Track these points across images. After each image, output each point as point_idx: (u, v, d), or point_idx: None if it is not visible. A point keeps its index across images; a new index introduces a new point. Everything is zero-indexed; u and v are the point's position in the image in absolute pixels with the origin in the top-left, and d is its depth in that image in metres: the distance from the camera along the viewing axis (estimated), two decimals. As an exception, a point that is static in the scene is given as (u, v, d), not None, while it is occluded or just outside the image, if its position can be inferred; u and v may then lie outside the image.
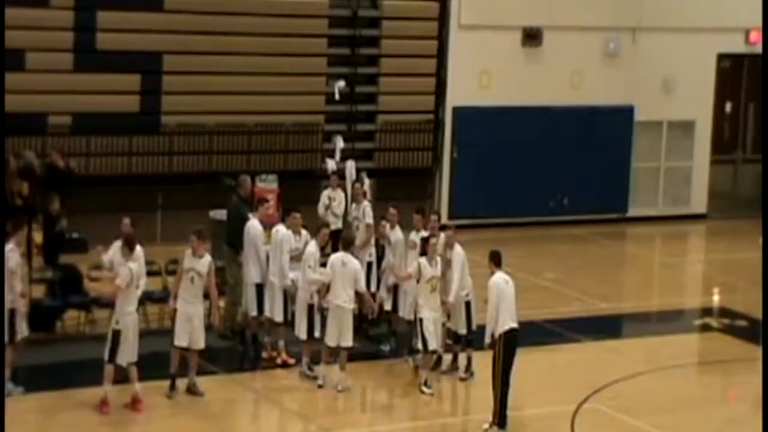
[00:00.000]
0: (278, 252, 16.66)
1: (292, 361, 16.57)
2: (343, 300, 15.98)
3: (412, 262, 16.77)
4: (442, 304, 16.26)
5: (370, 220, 18.11)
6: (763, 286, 18.17)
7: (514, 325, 14.72)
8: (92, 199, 20.89)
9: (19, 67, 21.34)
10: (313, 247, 16.38)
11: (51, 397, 15.29)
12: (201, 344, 15.37)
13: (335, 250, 16.84)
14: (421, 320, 16.01)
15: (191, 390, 15.44)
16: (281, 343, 16.78)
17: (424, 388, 16.05)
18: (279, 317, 16.70)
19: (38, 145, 21.34)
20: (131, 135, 22.49)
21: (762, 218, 18.97)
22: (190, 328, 15.26)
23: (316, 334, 16.19)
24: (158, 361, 15.56)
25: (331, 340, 16.03)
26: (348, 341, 16.02)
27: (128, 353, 14.79)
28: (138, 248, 15.21)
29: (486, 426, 14.73)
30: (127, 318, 14.82)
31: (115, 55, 22.23)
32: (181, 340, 15.28)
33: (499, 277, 14.83)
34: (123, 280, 14.72)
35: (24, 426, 14.24)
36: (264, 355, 16.98)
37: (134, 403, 14.90)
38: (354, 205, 18.60)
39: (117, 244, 15.50)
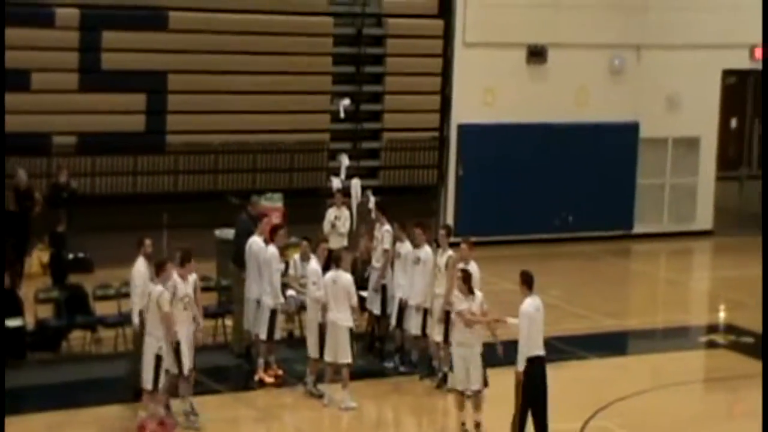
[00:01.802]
0: (268, 270, 16.65)
1: (270, 380, 16.52)
2: (337, 316, 15.99)
3: (418, 277, 16.89)
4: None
5: (388, 245, 18.01)
6: (763, 299, 18.15)
7: (541, 352, 14.46)
8: (97, 218, 20.94)
9: (24, 88, 21.43)
10: (314, 264, 16.40)
11: (57, 416, 15.28)
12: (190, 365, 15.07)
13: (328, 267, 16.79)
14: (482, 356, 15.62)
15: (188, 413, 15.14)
16: (260, 360, 16.72)
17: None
18: (263, 335, 16.65)
19: (43, 166, 21.40)
20: (136, 154, 22.54)
21: (762, 232, 18.93)
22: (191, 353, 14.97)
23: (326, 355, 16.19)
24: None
25: (328, 356, 16.05)
26: (347, 357, 16.03)
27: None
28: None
29: None
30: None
31: (119, 75, 22.30)
32: (180, 367, 14.92)
33: (530, 305, 14.50)
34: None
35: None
36: (255, 378, 16.81)
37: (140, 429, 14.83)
38: (377, 226, 18.46)
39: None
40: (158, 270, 14.79)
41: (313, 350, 16.22)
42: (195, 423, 14.96)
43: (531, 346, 14.41)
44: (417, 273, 17.11)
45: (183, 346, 14.76)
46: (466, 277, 15.29)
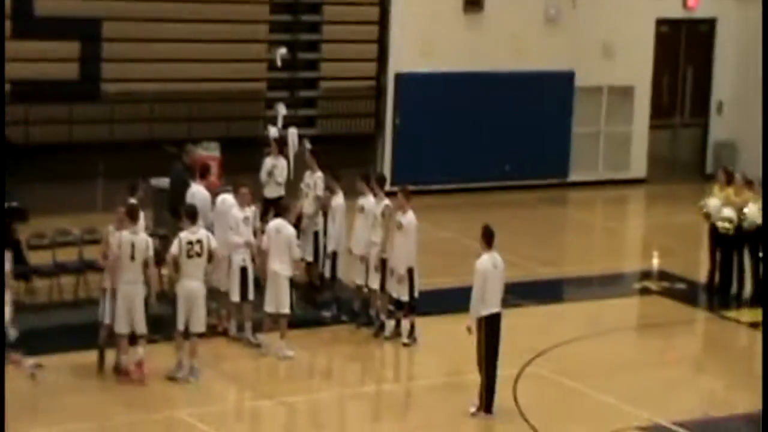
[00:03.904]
0: (223, 221, 16.64)
1: (233, 330, 16.58)
2: (278, 267, 16.01)
3: (361, 226, 16.95)
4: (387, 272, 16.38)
5: (320, 191, 18.03)
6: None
7: (496, 309, 14.43)
8: (32, 168, 20.72)
9: (-45, 35, 21.09)
10: (235, 210, 16.39)
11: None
12: (144, 329, 15.08)
13: (276, 216, 16.81)
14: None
15: (118, 368, 15.14)
16: (223, 311, 16.79)
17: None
18: (223, 286, 16.69)
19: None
20: (71, 102, 22.31)
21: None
22: (131, 312, 14.95)
23: (250, 297, 16.22)
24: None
25: (269, 306, 16.08)
26: (285, 308, 16.07)
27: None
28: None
29: (473, 410, 14.54)
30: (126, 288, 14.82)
31: (53, 22, 22.00)
32: (121, 327, 14.97)
33: (487, 260, 14.47)
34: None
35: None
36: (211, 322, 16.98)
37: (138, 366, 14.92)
38: (308, 173, 18.48)
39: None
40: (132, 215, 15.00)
41: (234, 294, 16.23)
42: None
43: (486, 303, 14.38)
44: (360, 222, 17.14)
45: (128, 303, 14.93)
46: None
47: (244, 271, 16.25)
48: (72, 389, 14.80)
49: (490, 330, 14.44)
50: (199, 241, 15.17)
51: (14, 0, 21.80)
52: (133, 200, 16.09)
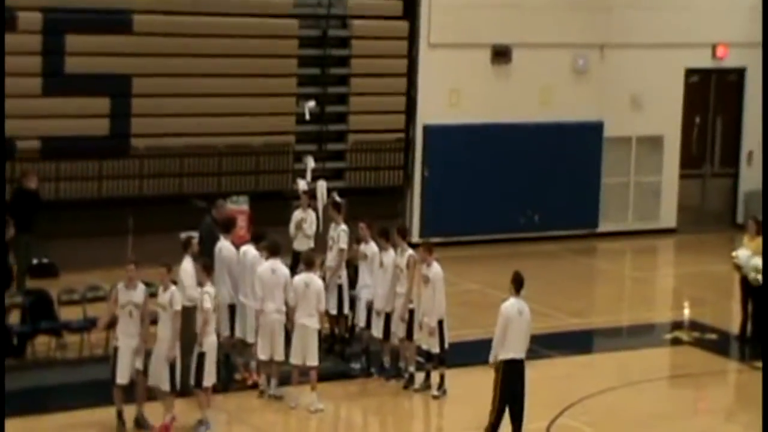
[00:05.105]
0: (248, 273, 16.69)
1: (264, 381, 16.58)
2: (306, 320, 16.02)
3: (380, 282, 17.03)
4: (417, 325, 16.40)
5: (344, 245, 18.05)
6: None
7: (516, 356, 14.47)
8: (62, 223, 20.85)
9: (-13, 92, 21.29)
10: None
11: (21, 423, 15.21)
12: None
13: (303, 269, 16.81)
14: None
15: (139, 422, 15.14)
16: (253, 363, 16.80)
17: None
18: (251, 338, 16.71)
19: (7, 171, 21.27)
20: (101, 158, 22.47)
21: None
22: (132, 363, 14.93)
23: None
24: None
25: (296, 359, 16.06)
26: (314, 360, 16.07)
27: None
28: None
29: None
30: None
31: (83, 79, 22.20)
32: (123, 377, 14.96)
33: (512, 305, 14.55)
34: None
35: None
36: (237, 376, 17.00)
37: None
38: (332, 225, 18.55)
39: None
40: (209, 270, 15.37)
41: (264, 352, 16.24)
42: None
43: (506, 348, 14.43)
44: (379, 277, 17.16)
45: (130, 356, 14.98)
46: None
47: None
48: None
49: (507, 375, 14.46)
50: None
51: (45, 57, 22.03)
52: (187, 256, 16.13)
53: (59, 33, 22.11)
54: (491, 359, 14.58)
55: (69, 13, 22.24)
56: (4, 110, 20.02)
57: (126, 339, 14.93)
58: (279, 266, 16.29)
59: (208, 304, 15.05)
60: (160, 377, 14.86)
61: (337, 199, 19.67)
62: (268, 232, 17.62)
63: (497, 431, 14.59)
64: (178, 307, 14.97)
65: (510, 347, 14.44)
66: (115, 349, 15.01)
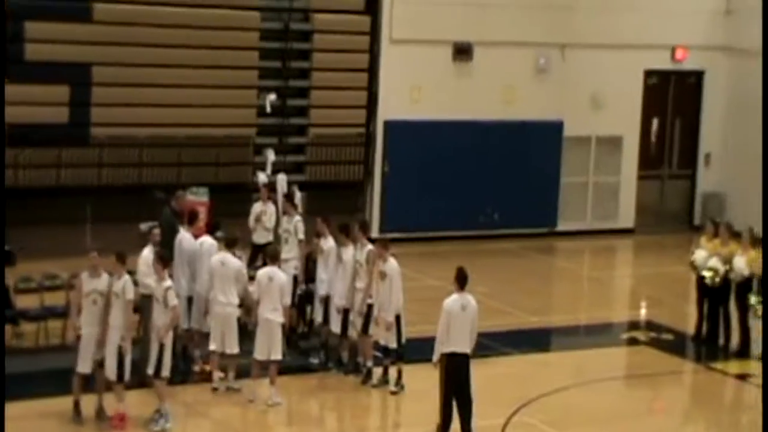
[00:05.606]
0: (205, 263, 16.63)
1: (221, 374, 16.51)
2: (270, 314, 15.99)
3: (339, 277, 16.97)
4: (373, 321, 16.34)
5: (302, 235, 18.10)
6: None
7: (458, 349, 14.49)
8: (20, 211, 20.69)
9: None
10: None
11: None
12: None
13: (264, 264, 16.81)
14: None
15: (99, 414, 15.05)
16: (198, 352, 16.72)
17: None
18: (207, 328, 16.63)
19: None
20: (60, 147, 22.32)
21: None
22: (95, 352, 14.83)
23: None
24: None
25: (260, 354, 16.03)
26: (278, 354, 16.03)
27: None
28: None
29: None
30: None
31: (43, 67, 22.06)
32: (85, 367, 14.90)
33: (455, 301, 14.61)
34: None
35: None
36: (195, 368, 16.92)
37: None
38: (285, 218, 18.59)
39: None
40: (166, 263, 15.15)
41: (215, 343, 16.20)
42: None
43: (449, 342, 14.50)
44: (338, 272, 17.15)
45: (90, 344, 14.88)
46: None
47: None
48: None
49: (449, 369, 14.49)
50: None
51: (5, 44, 21.84)
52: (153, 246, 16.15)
53: (19, 19, 21.94)
54: (435, 358, 14.60)
55: (29, 0, 22.06)
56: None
57: (89, 328, 14.85)
58: (229, 259, 16.25)
59: (174, 301, 14.92)
60: (110, 366, 14.78)
61: (296, 192, 19.64)
62: (226, 223, 17.59)
63: (449, 427, 14.60)
64: (131, 296, 14.88)
65: (453, 342, 14.54)
66: (78, 338, 14.91)
